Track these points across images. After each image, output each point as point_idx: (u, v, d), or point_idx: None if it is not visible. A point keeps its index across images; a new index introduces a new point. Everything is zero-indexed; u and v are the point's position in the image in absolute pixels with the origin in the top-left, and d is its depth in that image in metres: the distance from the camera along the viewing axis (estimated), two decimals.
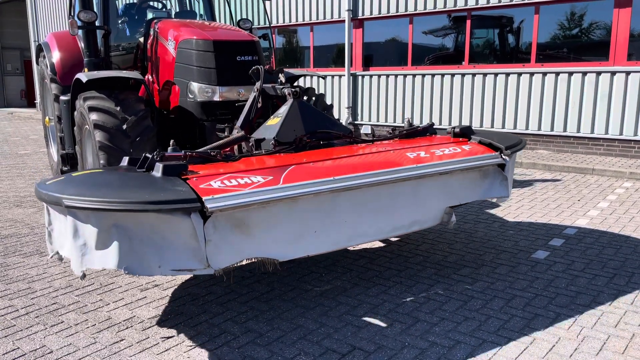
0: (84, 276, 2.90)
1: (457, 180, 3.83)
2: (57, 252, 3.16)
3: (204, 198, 2.71)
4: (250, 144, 3.86)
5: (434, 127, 4.50)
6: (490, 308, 3.48)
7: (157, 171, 2.94)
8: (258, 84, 4.50)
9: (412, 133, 4.35)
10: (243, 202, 2.81)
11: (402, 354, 2.94)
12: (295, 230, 3.15)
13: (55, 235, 3.17)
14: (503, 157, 3.95)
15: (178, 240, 2.78)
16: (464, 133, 4.22)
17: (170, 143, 3.36)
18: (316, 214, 3.20)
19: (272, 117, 4.06)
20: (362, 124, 11.95)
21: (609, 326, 3.23)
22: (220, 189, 2.83)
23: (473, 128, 4.35)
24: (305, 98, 4.20)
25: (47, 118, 7.63)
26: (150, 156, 3.10)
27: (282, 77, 4.38)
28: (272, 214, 3.03)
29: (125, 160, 3.41)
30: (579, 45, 9.35)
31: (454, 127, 4.28)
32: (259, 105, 4.48)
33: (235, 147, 3.98)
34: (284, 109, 3.98)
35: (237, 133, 4.28)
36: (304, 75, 6.57)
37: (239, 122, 4.40)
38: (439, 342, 3.06)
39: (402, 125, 11.16)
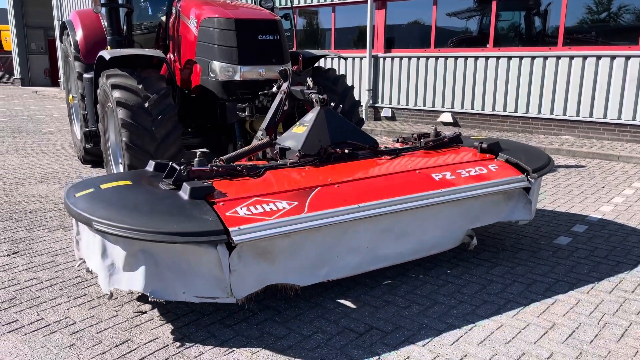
0: (111, 296, 2.99)
1: (481, 203, 3.80)
2: (85, 262, 3.25)
3: (230, 229, 2.76)
4: (275, 151, 3.86)
5: (460, 136, 4.42)
6: (509, 292, 3.46)
7: (185, 192, 2.98)
8: (285, 86, 4.46)
9: (439, 144, 4.27)
10: (268, 233, 2.87)
11: (419, 334, 2.94)
12: (317, 257, 3.18)
13: (82, 245, 3.26)
14: (529, 179, 3.88)
15: (203, 269, 2.84)
16: (492, 149, 4.12)
17: (197, 154, 3.38)
18: (339, 240, 3.23)
19: (298, 123, 4.05)
20: (382, 107, 11.85)
21: (631, 313, 3.18)
22: (246, 218, 2.88)
23: (500, 143, 4.23)
24: (331, 104, 4.16)
25: (70, 96, 7.72)
26: (177, 167, 3.15)
27: (309, 81, 4.34)
28: (295, 241, 3.07)
29: (151, 165, 3.47)
30: (608, 29, 9.09)
31: (481, 142, 4.17)
32: (285, 108, 4.46)
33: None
34: (310, 117, 3.95)
35: (262, 136, 4.30)
36: (325, 56, 6.51)
37: (264, 124, 4.42)
38: (456, 324, 3.05)
39: (423, 108, 10.96)
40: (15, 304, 3.30)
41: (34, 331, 2.98)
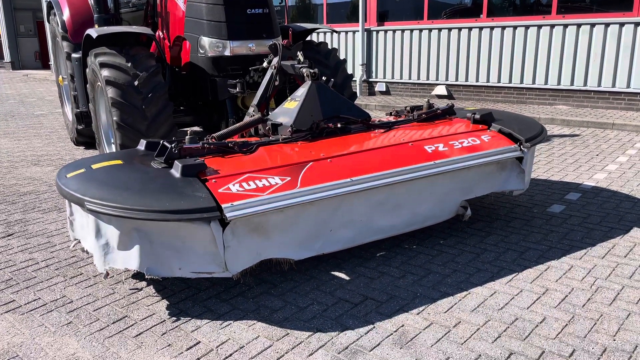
0: (107, 275, 2.99)
1: (474, 174, 3.80)
2: (79, 242, 3.25)
3: (223, 206, 2.76)
4: (267, 127, 3.83)
5: (453, 107, 4.40)
6: (503, 260, 3.48)
7: (176, 170, 2.97)
8: (275, 61, 4.41)
9: (432, 116, 4.25)
10: (261, 209, 2.87)
11: (413, 303, 2.97)
12: (311, 231, 3.19)
13: (76, 225, 3.26)
14: (522, 149, 3.87)
15: (197, 245, 2.85)
16: (484, 120, 4.11)
17: (188, 132, 3.35)
18: (332, 213, 3.24)
19: (289, 99, 4.01)
20: (376, 81, 11.77)
21: (623, 277, 3.21)
22: (238, 194, 2.87)
23: (492, 113, 4.23)
24: (323, 78, 4.12)
25: (60, 77, 7.63)
26: (168, 146, 3.13)
27: (300, 55, 4.28)
28: (289, 216, 3.07)
29: (142, 144, 3.44)
30: None
31: (474, 113, 4.17)
32: (276, 83, 4.41)
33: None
34: (301, 92, 3.92)
35: (253, 112, 4.27)
36: (316, 30, 6.43)
37: (255, 100, 4.39)
38: (450, 292, 3.08)
39: (418, 81, 10.89)
40: (12, 285, 3.32)
41: (31, 310, 3.00)
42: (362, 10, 11.46)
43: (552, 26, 9.12)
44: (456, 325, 2.75)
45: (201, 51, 5.14)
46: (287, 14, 6.40)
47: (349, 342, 2.63)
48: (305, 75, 3.99)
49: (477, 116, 4.12)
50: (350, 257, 3.55)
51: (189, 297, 3.10)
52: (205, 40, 5.07)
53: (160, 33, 5.85)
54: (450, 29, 10.35)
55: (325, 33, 12.18)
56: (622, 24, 8.45)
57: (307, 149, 3.50)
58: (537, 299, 2.98)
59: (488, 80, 10.08)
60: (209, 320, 2.85)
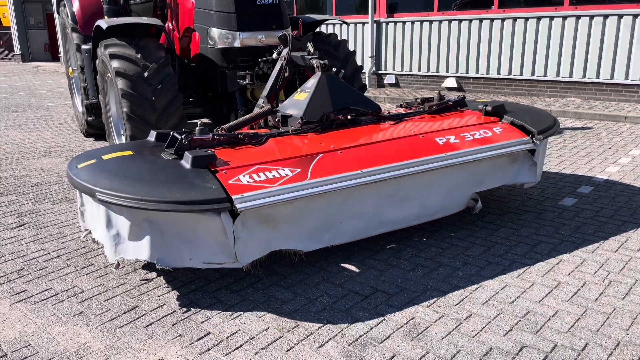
0: (118, 265, 3.01)
1: (485, 166, 3.77)
2: (90, 232, 3.27)
3: (233, 197, 2.76)
4: (277, 119, 3.82)
5: (464, 99, 4.36)
6: (514, 253, 3.46)
7: (187, 161, 2.97)
8: (285, 52, 4.38)
9: (442, 108, 4.21)
10: (271, 200, 2.86)
11: (424, 295, 2.96)
12: (321, 222, 3.19)
13: (87, 216, 3.28)
14: (534, 141, 3.83)
15: (208, 236, 2.85)
16: (496, 112, 4.06)
17: (198, 123, 3.35)
18: (342, 205, 3.23)
19: (299, 90, 3.99)
20: (385, 74, 11.70)
21: (636, 271, 3.18)
22: (248, 186, 2.87)
23: (504, 105, 4.19)
24: (333, 69, 4.10)
25: (70, 69, 7.65)
26: (179, 137, 3.13)
27: (310, 47, 4.26)
28: (298, 208, 3.07)
29: (152, 135, 3.44)
30: None
31: (486, 105, 4.12)
32: (286, 74, 4.39)
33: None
34: (312, 83, 3.89)
35: (263, 103, 4.26)
36: (326, 21, 6.39)
37: (265, 91, 4.38)
38: (461, 285, 3.06)
39: (427, 73, 10.78)
40: (24, 275, 3.34)
41: (42, 300, 3.02)
42: (372, 2, 11.37)
43: (565, 17, 9.00)
44: (467, 318, 2.73)
45: (210, 42, 5.13)
46: (295, 6, 6.37)
47: (359, 334, 2.62)
48: (315, 66, 3.97)
49: (489, 108, 4.08)
50: (360, 250, 3.54)
51: (199, 288, 3.11)
52: (215, 32, 5.06)
53: (170, 24, 5.85)
54: (460, 21, 10.26)
55: (334, 24, 12.12)
56: (635, 16, 8.32)
57: (317, 141, 3.49)
58: (549, 293, 2.96)
59: (499, 73, 9.98)
60: (219, 311, 2.86)
